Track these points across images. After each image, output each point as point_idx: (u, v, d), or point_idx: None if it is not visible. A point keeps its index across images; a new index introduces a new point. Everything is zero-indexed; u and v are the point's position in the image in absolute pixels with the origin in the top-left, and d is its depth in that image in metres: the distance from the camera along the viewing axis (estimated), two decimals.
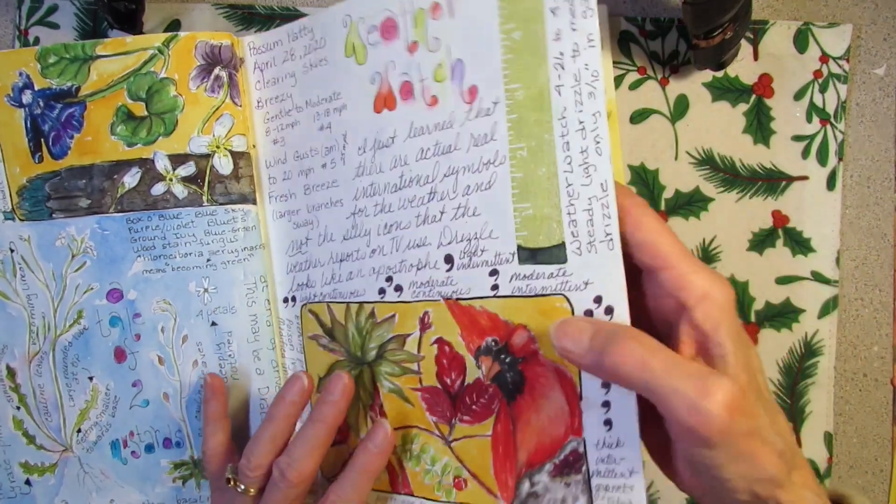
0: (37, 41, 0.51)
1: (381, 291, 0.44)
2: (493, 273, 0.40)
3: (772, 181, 0.51)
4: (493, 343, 0.41)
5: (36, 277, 0.48)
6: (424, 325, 0.43)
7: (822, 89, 0.50)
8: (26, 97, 0.47)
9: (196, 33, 0.46)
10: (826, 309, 0.51)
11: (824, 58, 0.50)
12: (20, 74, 0.47)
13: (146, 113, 0.46)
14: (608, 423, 0.38)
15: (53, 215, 0.48)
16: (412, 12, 0.41)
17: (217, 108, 0.46)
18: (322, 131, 0.45)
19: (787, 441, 0.34)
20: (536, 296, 0.39)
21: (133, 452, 0.50)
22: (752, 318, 0.51)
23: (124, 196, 0.47)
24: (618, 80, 0.52)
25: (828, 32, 0.50)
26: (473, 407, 0.42)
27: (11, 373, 0.49)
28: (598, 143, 0.36)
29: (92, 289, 0.48)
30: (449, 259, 0.41)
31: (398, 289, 0.43)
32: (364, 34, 0.42)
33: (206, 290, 0.47)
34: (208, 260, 0.47)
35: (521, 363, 0.40)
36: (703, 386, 0.31)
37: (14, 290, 0.49)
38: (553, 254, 0.38)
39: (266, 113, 0.47)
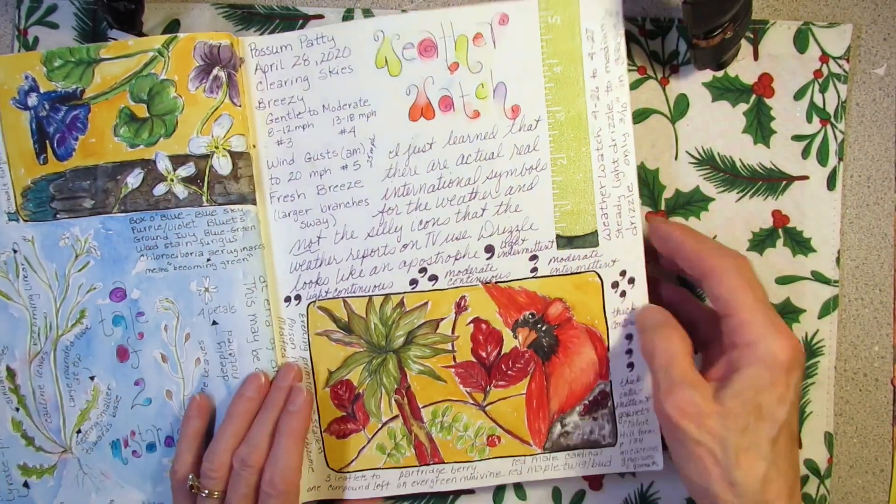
0: (36, 41, 0.51)
1: (413, 282, 0.48)
2: (533, 258, 0.48)
3: (772, 181, 0.51)
4: (530, 316, 0.48)
5: (38, 278, 0.49)
6: (460, 309, 0.48)
7: (823, 89, 0.50)
8: (32, 100, 0.48)
9: (195, 34, 0.47)
10: (826, 309, 0.51)
11: (824, 58, 0.50)
12: (26, 77, 0.47)
13: (147, 114, 0.47)
14: (631, 365, 0.48)
15: (57, 216, 0.48)
16: (453, 37, 0.47)
17: (216, 109, 0.47)
18: (343, 135, 0.47)
19: (755, 483, 0.39)
20: (572, 274, 0.48)
21: (134, 452, 0.50)
22: None
23: (127, 196, 0.48)
24: None
25: (828, 32, 0.50)
26: (509, 372, 0.48)
27: (11, 374, 0.50)
28: (626, 156, 0.46)
29: (95, 288, 0.49)
30: (489, 249, 0.48)
31: (433, 278, 0.48)
32: (399, 50, 0.47)
33: (206, 290, 0.48)
34: (208, 259, 0.47)
35: (556, 329, 0.48)
36: (671, 387, 0.40)
37: (16, 291, 0.49)
38: (587, 240, 0.47)
39: (269, 114, 0.48)
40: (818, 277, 0.51)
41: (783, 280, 0.51)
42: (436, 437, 0.49)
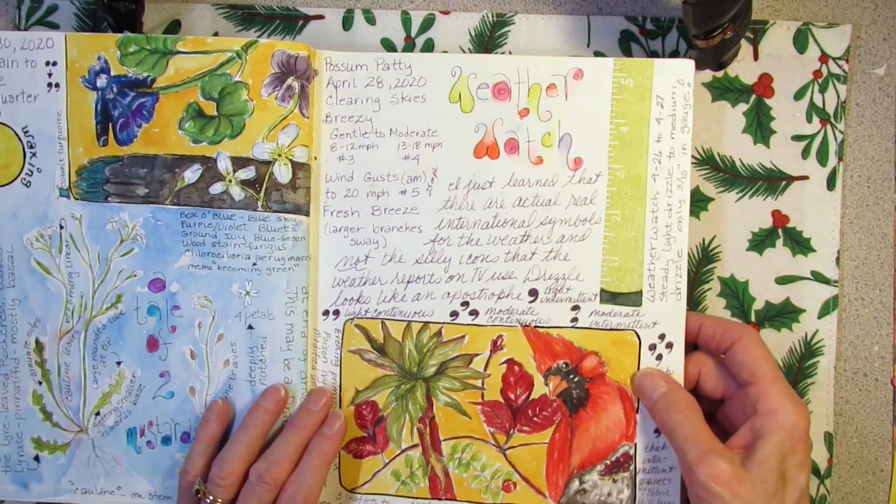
0: None
1: (454, 314, 0.49)
2: (575, 308, 0.48)
3: (772, 181, 0.51)
4: (563, 365, 0.49)
5: (81, 256, 0.49)
6: (496, 347, 0.49)
7: (822, 89, 0.51)
8: (101, 81, 0.47)
9: (276, 41, 0.47)
10: (826, 309, 0.51)
11: (824, 58, 0.51)
12: (98, 58, 0.47)
13: (216, 113, 0.47)
14: (658, 431, 0.48)
15: (108, 199, 0.48)
16: (528, 84, 0.48)
17: (285, 118, 0.47)
18: (407, 161, 0.48)
19: None
20: (611, 329, 0.48)
21: (149, 442, 0.50)
22: (752, 318, 0.51)
23: (182, 190, 0.47)
24: None
25: (828, 32, 0.51)
26: (535, 419, 0.49)
27: (39, 347, 0.49)
28: (680, 221, 0.47)
29: (135, 276, 0.49)
30: (533, 292, 0.48)
31: (474, 313, 0.49)
32: (474, 88, 0.47)
33: (247, 293, 0.48)
34: (254, 264, 0.47)
35: (588, 382, 0.48)
36: (702, 456, 0.42)
37: (56, 266, 0.49)
38: (631, 298, 0.48)
39: (335, 129, 0.48)
40: (818, 277, 0.51)
41: (783, 280, 0.51)
42: (452, 472, 0.49)
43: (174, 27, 0.51)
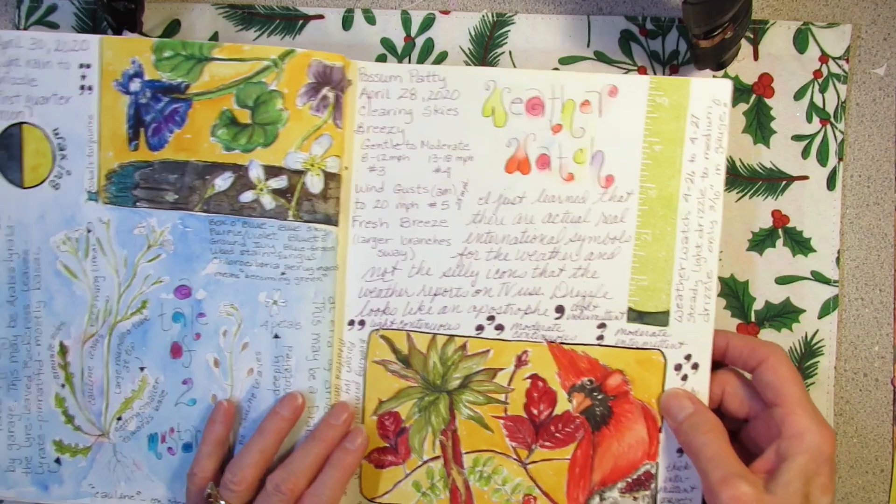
0: None
1: (479, 328, 0.49)
2: (601, 326, 0.48)
3: (772, 181, 0.51)
4: (588, 382, 0.49)
5: (107, 261, 0.48)
6: (521, 362, 0.49)
7: (822, 89, 0.51)
8: (134, 85, 0.47)
9: (312, 51, 0.47)
10: (826, 309, 0.51)
11: (824, 58, 0.51)
12: (133, 62, 0.47)
13: (250, 121, 0.47)
14: (681, 451, 0.48)
15: (137, 204, 0.48)
16: (562, 100, 0.47)
17: (319, 128, 0.47)
18: (438, 173, 0.48)
19: None
20: (637, 348, 0.48)
21: (170, 449, 0.49)
22: (752, 318, 0.51)
23: (212, 197, 0.47)
24: None
25: (828, 32, 0.51)
26: (557, 435, 0.49)
27: (63, 350, 0.49)
28: (711, 243, 0.47)
29: (161, 282, 0.48)
30: (560, 309, 0.48)
31: (499, 328, 0.49)
32: (507, 102, 0.47)
33: (275, 303, 0.48)
34: (283, 273, 0.47)
35: (611, 400, 0.49)
36: (726, 479, 0.42)
37: (83, 270, 0.49)
38: (658, 318, 0.48)
39: (366, 139, 0.48)
40: (818, 277, 0.51)
41: (783, 280, 0.51)
42: (473, 485, 0.50)
43: (174, 27, 0.51)
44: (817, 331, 0.51)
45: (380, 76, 0.48)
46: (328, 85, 0.47)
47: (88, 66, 0.47)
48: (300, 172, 0.47)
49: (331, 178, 0.47)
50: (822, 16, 0.51)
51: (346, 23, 0.52)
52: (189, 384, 0.49)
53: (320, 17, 0.51)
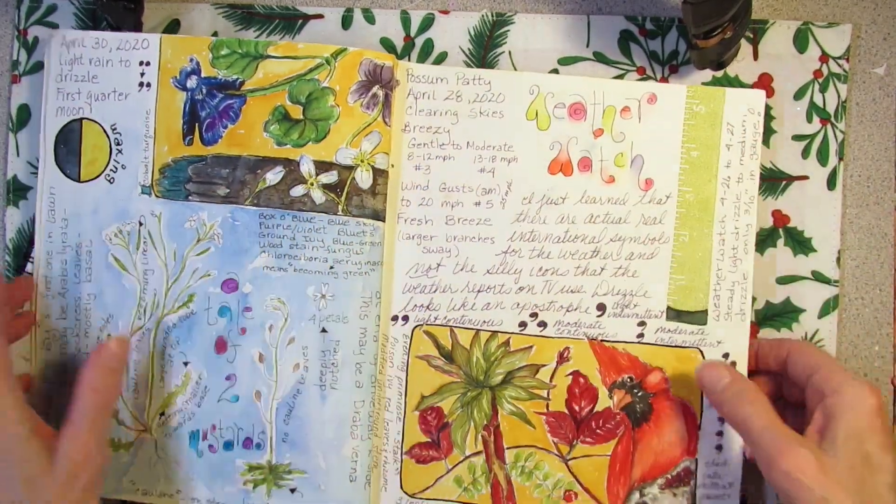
0: (36, 41, 0.51)
1: (522, 325, 0.50)
2: (641, 324, 0.49)
3: (772, 181, 0.51)
4: (628, 379, 0.50)
5: (157, 254, 0.49)
6: (563, 359, 0.50)
7: (822, 89, 0.51)
8: (191, 82, 0.48)
9: (363, 50, 0.48)
10: (826, 308, 0.51)
11: (824, 57, 0.51)
12: (191, 60, 0.48)
13: (302, 117, 0.48)
14: (719, 447, 0.49)
15: (189, 197, 0.49)
16: (603, 106, 0.49)
17: (369, 125, 0.48)
18: (482, 173, 0.50)
19: None
20: (676, 346, 0.49)
21: (210, 447, 0.49)
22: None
23: (262, 191, 0.48)
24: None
25: (828, 32, 0.51)
26: (598, 431, 0.50)
27: None
28: (746, 245, 0.49)
29: (209, 275, 0.49)
30: (601, 307, 0.50)
31: (542, 325, 0.50)
32: (550, 107, 0.49)
33: (323, 297, 0.48)
34: (331, 267, 0.48)
35: (651, 397, 0.49)
36: (784, 448, 0.41)
37: (133, 263, 0.49)
38: (696, 317, 0.49)
39: (413, 138, 0.49)
40: (818, 277, 0.51)
41: (783, 280, 0.51)
42: (514, 480, 0.50)
43: (173, 27, 0.52)
44: (817, 330, 0.51)
45: (427, 77, 0.49)
46: (378, 83, 0.48)
47: (148, 64, 0.49)
48: (350, 168, 0.48)
49: (379, 174, 0.48)
50: (822, 16, 0.52)
51: (346, 22, 0.52)
52: (232, 380, 0.49)
53: (320, 16, 0.52)
